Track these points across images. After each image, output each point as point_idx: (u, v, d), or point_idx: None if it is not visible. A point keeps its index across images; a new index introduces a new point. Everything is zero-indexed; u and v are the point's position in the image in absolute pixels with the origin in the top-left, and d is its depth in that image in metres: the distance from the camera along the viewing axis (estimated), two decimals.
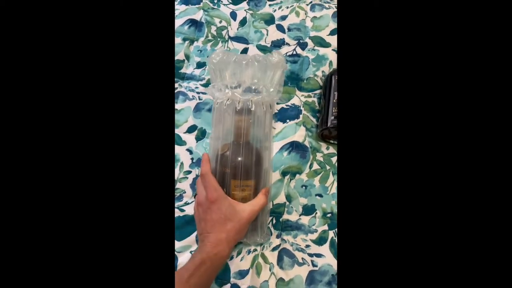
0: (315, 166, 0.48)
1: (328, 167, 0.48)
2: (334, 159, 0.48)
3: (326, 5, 0.58)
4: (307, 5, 0.59)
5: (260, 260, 0.43)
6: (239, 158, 0.39)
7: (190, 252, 0.43)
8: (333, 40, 0.55)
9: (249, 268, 0.42)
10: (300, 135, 0.49)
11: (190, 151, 0.50)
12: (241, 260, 0.43)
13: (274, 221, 0.45)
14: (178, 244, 0.44)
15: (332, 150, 0.49)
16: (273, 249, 0.43)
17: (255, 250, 0.43)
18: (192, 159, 0.49)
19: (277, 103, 0.52)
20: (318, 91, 0.52)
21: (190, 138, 0.50)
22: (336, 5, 0.58)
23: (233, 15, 0.59)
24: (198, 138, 0.51)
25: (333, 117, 0.45)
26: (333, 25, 0.57)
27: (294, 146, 0.49)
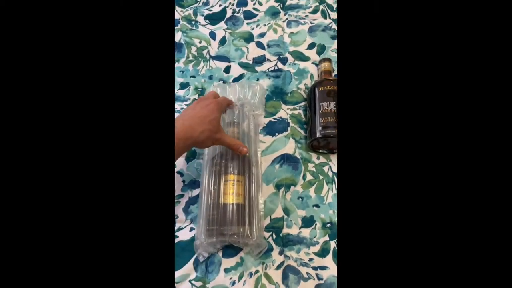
0: (309, 176, 0.48)
1: (321, 177, 0.48)
2: (326, 168, 0.48)
3: (302, 21, 0.61)
4: (283, 22, 0.61)
5: (264, 281, 0.41)
6: (229, 155, 0.43)
7: (189, 281, 0.41)
8: (312, 54, 0.57)
9: None
10: (290, 147, 0.50)
11: (181, 173, 0.48)
12: (243, 284, 0.41)
13: (274, 236, 0.44)
14: (176, 274, 0.41)
15: (323, 159, 0.49)
16: (277, 268, 0.42)
17: (257, 271, 0.42)
18: (183, 181, 0.47)
19: (265, 117, 0.52)
20: (302, 103, 0.53)
21: (179, 160, 0.49)
22: (311, 21, 0.61)
23: (212, 35, 0.60)
24: (188, 160, 0.49)
25: (320, 128, 0.46)
26: (310, 39, 0.59)
27: (285, 159, 0.49)
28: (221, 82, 0.55)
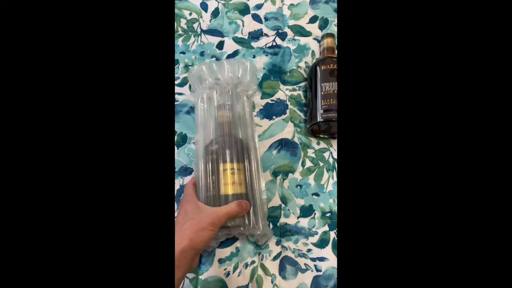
0: (308, 163, 0.45)
1: (321, 164, 0.45)
2: (327, 155, 0.45)
3: None
4: None
5: (260, 272, 0.39)
6: (226, 143, 0.39)
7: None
8: (313, 29, 0.52)
9: (248, 283, 0.39)
10: (288, 131, 0.46)
11: None
12: (238, 275, 0.39)
13: (271, 226, 0.42)
14: None
15: (324, 145, 0.46)
16: (274, 258, 0.40)
17: (253, 262, 0.40)
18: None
19: (262, 98, 0.48)
20: (303, 84, 0.49)
21: None
22: None
23: (204, 6, 0.54)
24: (178, 145, 0.45)
25: (322, 111, 0.42)
26: (311, 12, 0.53)
27: (284, 144, 0.46)
28: (214, 59, 0.50)
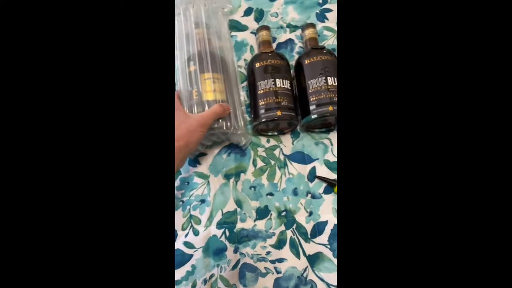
0: (259, 163, 0.44)
1: (272, 162, 0.44)
2: (277, 152, 0.44)
3: None
4: None
5: (220, 285, 0.39)
6: (204, 56, 0.41)
7: None
8: (249, 22, 0.50)
9: None
10: None
11: None
12: None
13: (227, 234, 0.41)
14: None
15: (274, 142, 0.45)
16: (233, 268, 0.39)
17: (212, 276, 0.39)
18: None
19: None
20: (244, 84, 0.47)
21: None
22: None
23: None
24: None
25: (263, 110, 0.41)
26: (245, 4, 0.51)
27: (233, 147, 0.45)
28: None
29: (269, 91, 0.41)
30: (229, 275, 0.39)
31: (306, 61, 0.42)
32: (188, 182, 0.43)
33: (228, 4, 0.47)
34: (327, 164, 0.43)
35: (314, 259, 0.39)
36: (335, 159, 0.43)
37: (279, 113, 0.40)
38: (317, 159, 0.44)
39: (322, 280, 0.38)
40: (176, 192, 0.43)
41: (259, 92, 0.41)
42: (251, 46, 0.49)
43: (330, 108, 0.39)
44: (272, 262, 0.39)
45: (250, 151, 0.44)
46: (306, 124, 0.42)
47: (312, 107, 0.40)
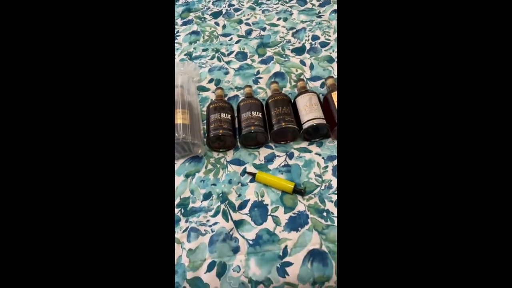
0: (209, 166, 0.65)
1: (218, 166, 0.66)
2: (222, 160, 0.66)
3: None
4: None
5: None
6: (179, 101, 0.68)
7: None
8: (211, 86, 0.80)
9: None
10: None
11: None
12: None
13: (182, 211, 0.59)
14: None
15: (222, 155, 0.68)
16: (184, 231, 0.56)
17: None
18: None
19: None
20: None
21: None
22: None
23: None
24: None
25: (212, 130, 0.66)
26: (209, 76, 0.82)
27: (193, 158, 0.67)
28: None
29: (216, 120, 0.67)
30: (180, 236, 0.55)
31: (242, 104, 0.70)
32: None
33: (197, 76, 0.79)
34: (254, 165, 0.65)
35: (238, 223, 0.56)
36: (261, 163, 0.65)
37: (221, 131, 0.65)
38: (248, 162, 0.65)
39: (243, 237, 0.54)
40: None
41: (211, 120, 0.67)
42: (211, 99, 0.78)
43: (252, 128, 0.64)
44: (210, 226, 0.56)
45: (204, 159, 0.67)
46: (240, 139, 0.66)
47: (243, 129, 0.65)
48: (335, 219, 0.55)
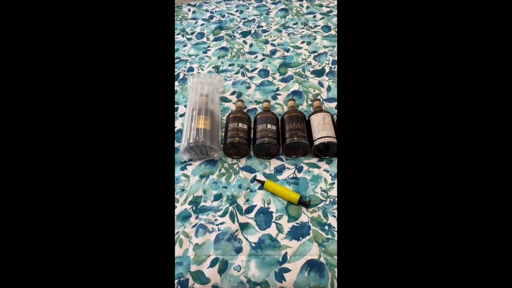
0: (223, 170, 0.70)
1: (231, 171, 0.70)
2: (235, 166, 0.71)
3: None
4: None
5: (182, 236, 0.59)
6: (202, 108, 0.74)
7: None
8: (233, 99, 0.87)
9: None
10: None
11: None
12: None
13: (194, 208, 0.63)
14: None
15: (235, 161, 0.72)
16: (193, 227, 0.60)
17: (176, 233, 0.60)
18: None
19: None
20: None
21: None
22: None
23: None
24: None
25: (229, 137, 0.71)
26: (232, 89, 0.89)
27: (209, 161, 0.72)
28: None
29: (234, 128, 0.72)
30: (189, 230, 0.60)
31: (259, 116, 0.75)
32: (176, 179, 0.69)
33: (221, 88, 0.86)
34: (264, 174, 0.69)
35: (244, 226, 0.60)
36: (271, 172, 0.69)
37: (237, 139, 0.70)
38: (258, 170, 0.70)
39: (246, 239, 0.58)
40: None
41: (229, 128, 0.73)
42: (232, 110, 0.84)
43: (266, 139, 0.69)
44: (217, 224, 0.60)
45: (219, 163, 0.72)
46: (254, 148, 0.71)
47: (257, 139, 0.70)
48: (336, 233, 0.57)
